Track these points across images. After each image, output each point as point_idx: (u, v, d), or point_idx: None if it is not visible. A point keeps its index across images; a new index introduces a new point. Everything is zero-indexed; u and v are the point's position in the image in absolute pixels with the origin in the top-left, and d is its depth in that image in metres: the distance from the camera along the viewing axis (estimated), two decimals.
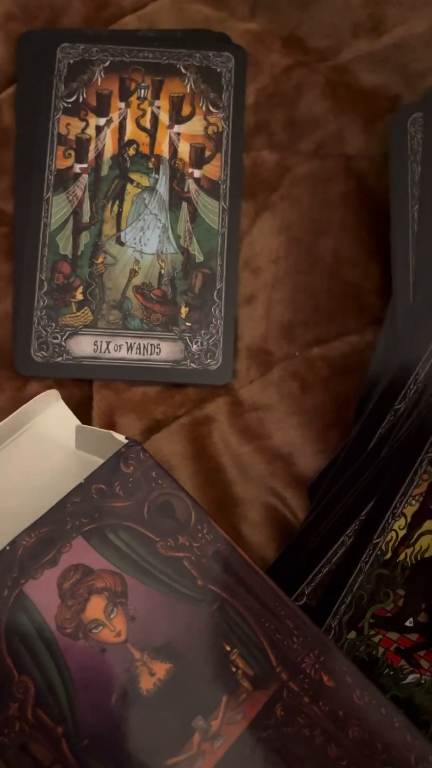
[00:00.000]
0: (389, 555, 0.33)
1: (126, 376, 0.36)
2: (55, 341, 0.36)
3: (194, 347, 0.37)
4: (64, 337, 0.36)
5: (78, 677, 0.26)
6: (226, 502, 0.36)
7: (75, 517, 0.28)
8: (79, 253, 0.37)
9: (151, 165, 0.38)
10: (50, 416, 0.34)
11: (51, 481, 0.32)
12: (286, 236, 0.39)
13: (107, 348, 0.36)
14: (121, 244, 0.37)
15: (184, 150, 0.38)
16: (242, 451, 0.36)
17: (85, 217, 0.37)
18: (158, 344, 0.37)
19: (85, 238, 0.37)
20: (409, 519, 0.34)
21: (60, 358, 0.36)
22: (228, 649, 0.27)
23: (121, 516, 0.28)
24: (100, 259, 0.37)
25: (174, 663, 0.26)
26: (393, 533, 0.34)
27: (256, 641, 0.27)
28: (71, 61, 0.38)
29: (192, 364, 0.37)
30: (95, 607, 0.27)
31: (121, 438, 0.30)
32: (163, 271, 0.37)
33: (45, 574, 0.27)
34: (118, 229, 0.37)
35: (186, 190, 0.38)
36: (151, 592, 0.27)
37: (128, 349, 0.36)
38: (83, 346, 0.36)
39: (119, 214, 0.37)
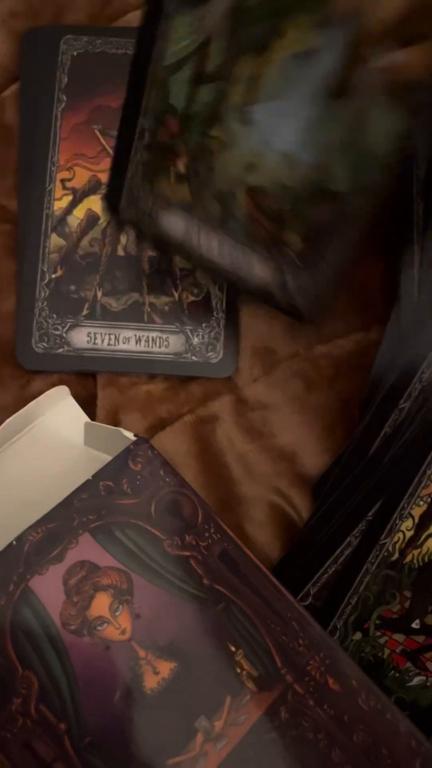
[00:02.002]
0: (396, 556, 0.33)
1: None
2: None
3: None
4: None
5: (82, 674, 0.26)
6: (230, 501, 0.36)
7: (82, 514, 0.28)
8: (191, 113, 0.27)
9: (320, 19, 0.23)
10: (59, 412, 0.34)
11: (59, 477, 0.32)
12: None
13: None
14: (245, 123, 0.26)
15: None
16: (247, 449, 0.36)
17: (211, 65, 0.26)
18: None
19: (204, 95, 0.26)
20: (416, 520, 0.33)
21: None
22: (233, 649, 0.27)
23: (128, 513, 0.28)
24: (216, 133, 0.27)
25: (178, 662, 0.26)
26: (400, 534, 0.33)
27: (262, 642, 0.27)
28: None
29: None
30: (100, 605, 0.27)
31: (130, 435, 0.29)
32: (287, 183, 0.27)
33: (51, 570, 0.27)
34: (248, 101, 0.26)
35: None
36: (157, 591, 0.27)
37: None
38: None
39: (254, 78, 0.25)
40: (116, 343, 0.36)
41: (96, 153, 0.38)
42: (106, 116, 0.38)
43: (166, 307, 0.37)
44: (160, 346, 0.36)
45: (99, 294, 0.37)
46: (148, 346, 0.36)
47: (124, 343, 0.36)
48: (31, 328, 0.36)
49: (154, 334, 0.36)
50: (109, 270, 0.37)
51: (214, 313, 0.37)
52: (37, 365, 0.36)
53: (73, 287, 0.37)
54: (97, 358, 0.36)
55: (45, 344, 0.36)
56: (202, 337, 0.36)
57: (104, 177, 0.37)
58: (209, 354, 0.36)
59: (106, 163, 0.37)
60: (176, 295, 0.37)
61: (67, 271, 0.37)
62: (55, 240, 0.37)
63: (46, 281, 0.36)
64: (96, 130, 0.38)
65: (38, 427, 0.34)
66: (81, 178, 0.37)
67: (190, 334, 0.37)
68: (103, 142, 0.38)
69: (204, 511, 0.29)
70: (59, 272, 0.37)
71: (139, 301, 0.37)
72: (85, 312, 0.36)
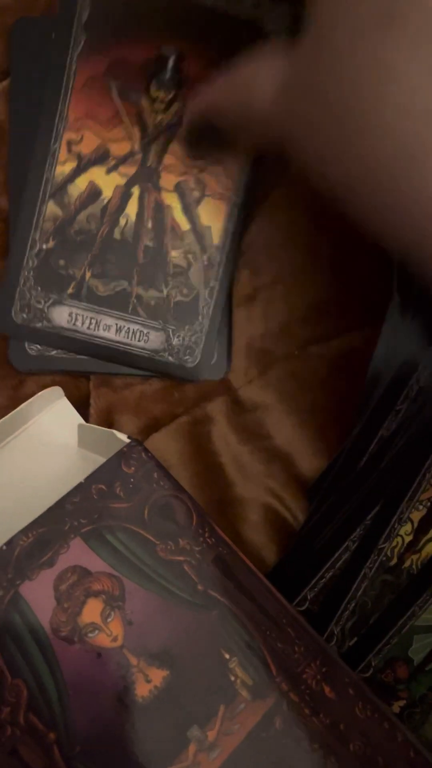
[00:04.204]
0: (395, 561, 0.33)
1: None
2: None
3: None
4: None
5: (72, 682, 0.25)
6: (225, 503, 0.35)
7: (74, 518, 0.27)
8: (427, 669, 0.32)
9: None
10: (53, 414, 0.33)
11: (52, 479, 0.31)
12: (285, 234, 0.38)
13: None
14: None
15: None
16: (241, 450, 0.36)
17: None
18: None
19: None
20: (415, 524, 0.33)
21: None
22: (227, 656, 0.26)
23: (120, 517, 0.27)
24: None
25: (171, 670, 0.26)
26: (399, 539, 0.33)
27: (256, 649, 0.26)
28: None
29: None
30: (92, 611, 0.26)
31: (124, 437, 0.29)
32: None
33: (41, 575, 0.26)
34: None
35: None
36: (150, 597, 0.27)
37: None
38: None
39: None
40: (96, 329, 0.35)
41: (109, 117, 0.35)
42: (126, 72, 0.35)
43: (153, 302, 0.36)
44: (139, 340, 0.36)
45: (88, 275, 0.35)
46: (128, 337, 0.35)
47: (104, 330, 0.35)
48: (14, 296, 0.35)
49: (135, 327, 0.36)
50: (103, 252, 0.35)
51: (199, 318, 0.36)
52: (13, 334, 0.35)
53: (62, 262, 0.35)
54: (75, 340, 0.35)
55: (25, 315, 0.35)
56: (182, 339, 0.36)
57: (114, 147, 0.35)
58: (186, 357, 0.36)
59: (119, 132, 0.35)
60: (165, 291, 0.36)
61: (59, 245, 0.35)
62: (51, 208, 0.35)
63: (36, 250, 0.35)
64: (114, 89, 0.35)
65: (31, 429, 0.33)
66: (89, 143, 0.35)
67: (171, 334, 0.36)
68: (119, 103, 0.35)
69: (198, 515, 0.28)
70: (50, 244, 0.35)
71: (126, 290, 0.35)
72: (70, 290, 0.35)
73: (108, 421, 0.36)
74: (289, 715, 0.25)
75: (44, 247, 0.35)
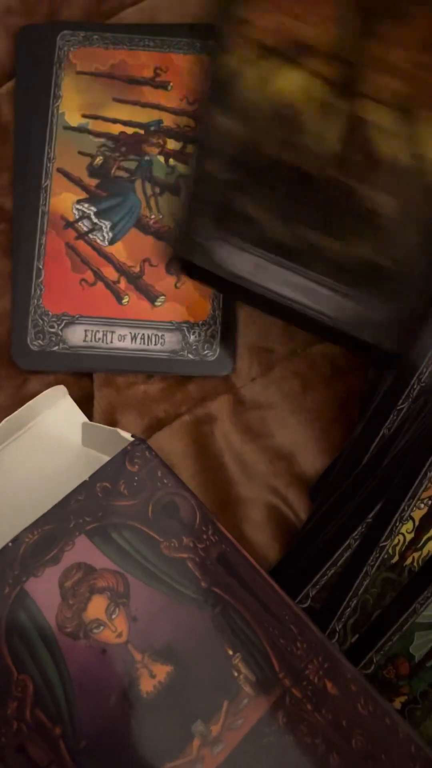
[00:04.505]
0: (396, 559, 0.33)
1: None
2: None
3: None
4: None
5: (77, 677, 0.25)
6: (227, 502, 0.36)
7: (79, 515, 0.28)
8: (428, 665, 0.32)
9: None
10: (57, 412, 0.33)
11: (57, 477, 0.32)
12: None
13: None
14: None
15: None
16: (244, 449, 0.36)
17: None
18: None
19: None
20: (417, 522, 0.33)
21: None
22: (230, 653, 0.26)
23: (125, 515, 0.28)
24: None
25: (175, 666, 0.26)
26: (400, 537, 0.33)
27: (259, 646, 0.27)
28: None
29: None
30: (97, 607, 0.26)
31: (127, 436, 0.29)
32: None
33: (47, 572, 0.27)
34: None
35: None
36: (154, 593, 0.27)
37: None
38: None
39: None
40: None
41: None
42: None
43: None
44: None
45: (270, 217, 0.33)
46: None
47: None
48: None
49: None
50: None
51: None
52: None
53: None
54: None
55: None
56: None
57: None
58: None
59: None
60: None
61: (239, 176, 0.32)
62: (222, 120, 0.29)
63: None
64: None
65: (36, 427, 0.33)
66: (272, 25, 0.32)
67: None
68: None
69: (202, 513, 0.28)
70: (227, 175, 0.31)
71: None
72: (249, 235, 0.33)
73: (111, 420, 0.36)
74: (292, 710, 0.26)
75: (223, 177, 0.28)
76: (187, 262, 0.30)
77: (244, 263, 0.28)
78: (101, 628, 0.26)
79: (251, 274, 0.28)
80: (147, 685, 0.26)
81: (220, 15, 0.24)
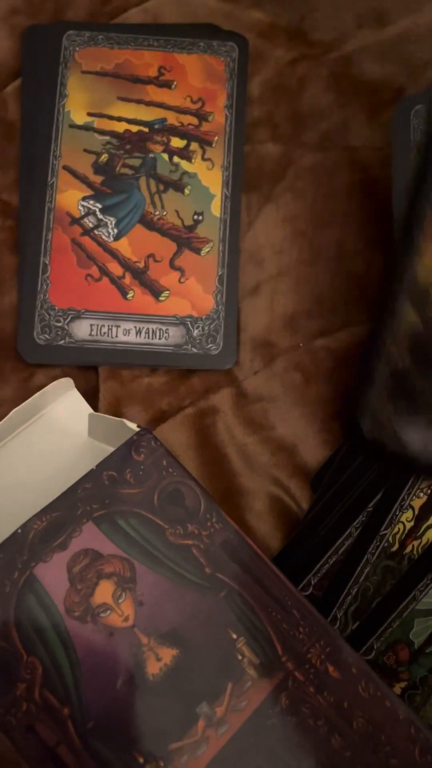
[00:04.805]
0: (396, 547, 0.33)
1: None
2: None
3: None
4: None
5: (85, 660, 0.26)
6: (230, 492, 0.36)
7: (86, 503, 0.28)
8: (428, 651, 0.33)
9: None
10: (64, 404, 0.34)
11: (64, 467, 0.32)
12: (290, 228, 0.39)
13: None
14: None
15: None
16: (247, 441, 0.37)
17: None
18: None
19: None
20: (416, 511, 0.34)
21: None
22: (234, 637, 0.27)
23: (131, 503, 0.28)
24: None
25: (180, 649, 0.27)
26: (400, 525, 0.34)
27: (263, 630, 0.27)
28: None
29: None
30: (104, 592, 0.27)
31: (133, 426, 0.30)
32: None
33: (55, 558, 0.27)
34: None
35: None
36: (160, 579, 0.27)
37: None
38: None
39: None
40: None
41: None
42: None
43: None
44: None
45: None
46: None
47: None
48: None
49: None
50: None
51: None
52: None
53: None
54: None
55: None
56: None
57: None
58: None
59: None
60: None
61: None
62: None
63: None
64: None
65: (44, 418, 0.34)
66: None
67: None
68: None
69: (206, 501, 0.29)
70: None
71: None
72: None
73: (116, 413, 0.37)
74: (295, 693, 0.26)
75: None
76: (376, 443, 0.31)
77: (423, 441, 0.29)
78: (108, 612, 0.27)
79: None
80: (153, 668, 0.26)
81: (411, 218, 0.23)
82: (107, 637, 0.26)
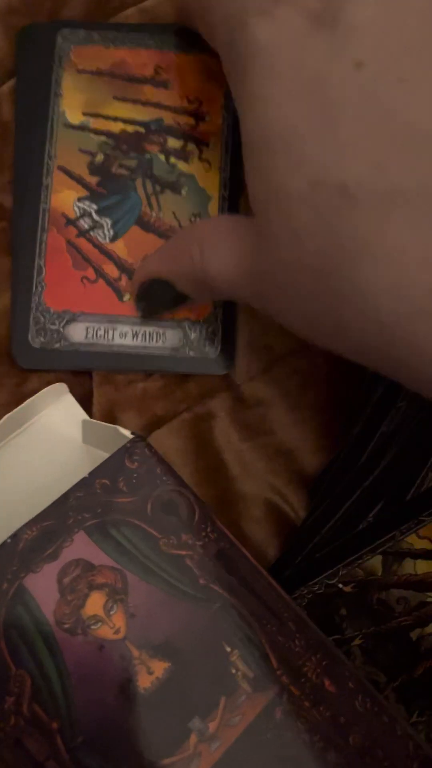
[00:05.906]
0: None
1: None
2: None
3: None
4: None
5: (75, 673, 0.26)
6: (227, 499, 0.36)
7: (78, 512, 0.28)
8: None
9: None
10: (58, 409, 0.33)
11: (57, 474, 0.32)
12: None
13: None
14: None
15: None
16: (243, 447, 0.36)
17: None
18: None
19: None
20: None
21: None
22: (228, 649, 0.26)
23: (124, 512, 0.28)
24: None
25: (173, 662, 0.26)
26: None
27: (257, 643, 0.27)
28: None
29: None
30: (95, 603, 0.26)
31: (127, 433, 0.29)
32: None
33: (45, 568, 0.27)
34: None
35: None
36: (152, 590, 0.27)
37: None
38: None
39: None
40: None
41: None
42: None
43: None
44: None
45: None
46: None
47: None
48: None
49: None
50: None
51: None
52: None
53: None
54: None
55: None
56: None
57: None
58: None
59: None
60: None
61: None
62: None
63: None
64: None
65: (37, 424, 0.33)
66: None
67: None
68: None
69: (201, 510, 0.28)
70: None
71: None
72: None
73: (111, 419, 0.36)
74: (290, 707, 0.26)
75: None
76: None
77: None
78: (99, 624, 0.26)
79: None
80: (145, 681, 0.26)
81: None
82: (98, 650, 0.26)
